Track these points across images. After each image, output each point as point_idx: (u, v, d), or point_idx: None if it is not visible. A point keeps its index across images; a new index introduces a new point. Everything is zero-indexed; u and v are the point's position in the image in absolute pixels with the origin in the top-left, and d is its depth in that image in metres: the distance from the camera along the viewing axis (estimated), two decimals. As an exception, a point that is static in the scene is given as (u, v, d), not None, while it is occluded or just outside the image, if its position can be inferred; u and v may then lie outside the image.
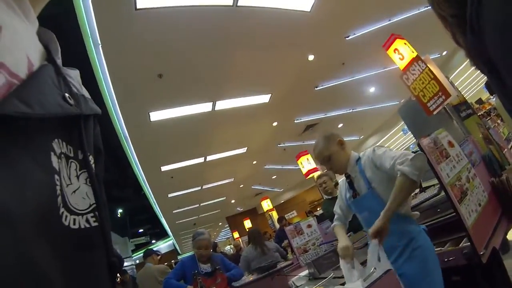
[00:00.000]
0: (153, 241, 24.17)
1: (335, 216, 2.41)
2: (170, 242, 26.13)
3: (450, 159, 2.23)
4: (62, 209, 0.47)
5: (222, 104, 7.45)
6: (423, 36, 6.54)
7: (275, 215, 16.55)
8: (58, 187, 0.47)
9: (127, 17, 4.35)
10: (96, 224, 0.55)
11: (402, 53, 4.48)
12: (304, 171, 10.72)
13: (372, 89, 9.88)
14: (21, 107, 0.42)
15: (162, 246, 26.48)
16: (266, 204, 16.95)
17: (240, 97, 7.47)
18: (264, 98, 7.97)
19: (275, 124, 9.80)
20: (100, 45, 4.73)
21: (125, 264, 18.97)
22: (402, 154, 1.92)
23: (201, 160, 10.42)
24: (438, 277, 1.87)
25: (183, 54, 5.41)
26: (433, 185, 2.78)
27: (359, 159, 2.18)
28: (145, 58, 5.22)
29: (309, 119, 10.43)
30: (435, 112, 4.04)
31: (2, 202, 0.36)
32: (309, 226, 4.33)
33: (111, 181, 12.58)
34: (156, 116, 6.92)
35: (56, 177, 0.48)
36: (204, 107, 7.33)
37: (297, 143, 11.55)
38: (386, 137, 15.13)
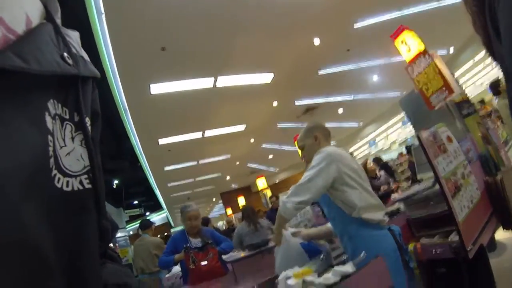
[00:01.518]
0: (147, 213, 24.37)
1: None
2: (164, 215, 26.40)
3: (448, 154, 2.26)
4: (54, 171, 0.47)
5: (224, 80, 7.42)
6: (431, 31, 6.48)
7: (269, 194, 16.67)
8: (51, 148, 0.47)
9: None
10: (89, 186, 0.55)
11: (409, 45, 4.42)
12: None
13: (375, 78, 9.84)
14: (17, 61, 0.41)
15: (155, 218, 26.75)
16: (261, 183, 17.06)
17: (242, 74, 7.44)
18: (266, 78, 7.94)
19: (275, 104, 9.80)
20: (104, 14, 4.68)
21: (119, 235, 19.24)
22: (291, 191, 1.94)
23: (199, 135, 10.46)
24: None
25: (187, 28, 5.36)
26: (428, 178, 2.82)
27: None
28: (149, 31, 5.18)
29: (309, 102, 10.42)
30: (437, 107, 4.03)
31: None
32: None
33: (108, 152, 12.55)
34: (156, 89, 6.91)
35: (50, 138, 0.47)
36: (206, 83, 7.31)
37: (296, 125, 11.51)
38: (385, 127, 15.12)
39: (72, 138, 0.54)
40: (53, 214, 0.44)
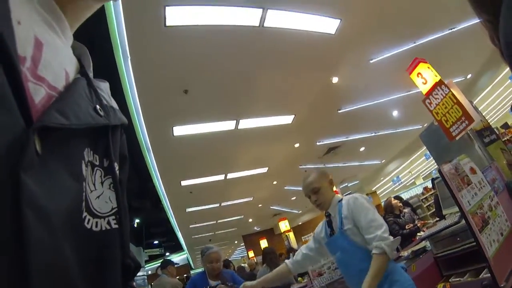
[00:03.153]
0: (167, 254, 24.22)
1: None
2: (184, 256, 26.18)
3: (472, 186, 2.18)
4: (85, 213, 0.51)
5: (245, 123, 7.48)
6: (447, 59, 6.48)
7: (292, 236, 16.30)
8: (84, 194, 0.51)
9: (157, 33, 4.50)
10: (116, 226, 0.58)
11: (425, 77, 4.40)
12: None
13: (395, 113, 9.75)
14: (60, 119, 0.46)
15: (176, 259, 26.26)
16: (284, 225, 16.77)
17: (264, 116, 7.50)
18: (287, 119, 7.98)
19: (297, 145, 9.79)
20: (129, 58, 4.89)
21: (139, 274, 19.09)
22: (383, 229, 1.93)
23: (221, 177, 10.45)
24: None
25: (209, 71, 5.51)
26: (454, 212, 2.70)
27: (340, 200, 2.18)
28: (172, 74, 5.34)
29: (331, 141, 10.37)
30: (457, 138, 3.92)
31: (43, 204, 0.40)
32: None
33: (130, 191, 12.71)
34: (179, 130, 7.01)
35: (84, 184, 0.51)
36: (228, 125, 7.38)
37: (318, 166, 11.42)
38: (408, 161, 14.77)
39: (102, 183, 0.58)
40: (83, 250, 0.48)
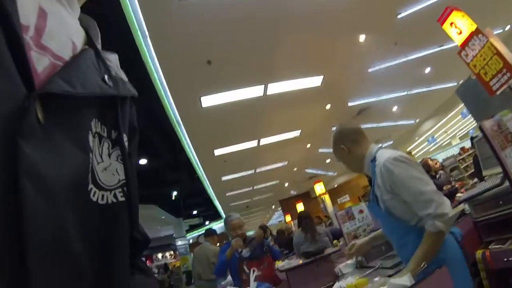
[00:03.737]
0: (207, 223, 25.04)
1: None
2: (223, 223, 26.58)
3: (517, 145, 2.00)
4: (91, 185, 0.50)
5: (274, 88, 7.37)
6: (482, 10, 5.89)
7: (327, 199, 16.28)
8: (90, 165, 0.51)
9: (172, 8, 4.44)
10: (123, 199, 0.57)
11: (459, 26, 3.99)
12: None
13: (427, 70, 9.20)
14: (65, 86, 0.45)
15: (215, 227, 27.15)
16: (319, 188, 16.75)
17: (292, 79, 7.33)
18: (316, 81, 7.77)
19: (328, 107, 9.58)
20: (148, 36, 4.90)
21: (179, 243, 20.04)
22: (437, 201, 1.58)
23: (254, 143, 10.50)
24: None
25: (230, 39, 5.40)
26: (496, 173, 2.50)
27: (373, 160, 1.83)
28: (192, 46, 5.29)
29: (362, 102, 10.07)
30: (498, 92, 3.56)
31: (43, 174, 0.39)
32: (361, 211, 4.21)
33: (165, 165, 13.19)
34: (207, 101, 7.02)
35: (91, 155, 0.51)
36: (256, 91, 7.31)
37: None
38: (444, 121, 14.05)
39: (109, 155, 0.57)
40: (88, 224, 0.48)
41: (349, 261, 2.88)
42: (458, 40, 4.05)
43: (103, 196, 0.53)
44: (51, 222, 0.39)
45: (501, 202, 2.22)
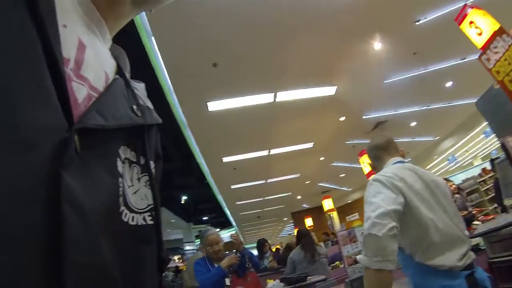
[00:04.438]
0: (217, 230, 25.11)
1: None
2: (234, 232, 26.71)
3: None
4: (122, 207, 0.53)
5: (284, 95, 7.17)
6: (507, 10, 5.43)
7: (335, 215, 15.98)
8: (121, 189, 0.53)
9: (177, 7, 4.31)
10: (152, 222, 0.59)
11: (479, 26, 3.50)
12: (366, 171, 9.98)
13: (448, 84, 8.74)
14: (99, 120, 0.48)
15: (225, 235, 27.29)
16: (327, 204, 16.54)
17: (303, 87, 7.10)
18: (330, 91, 7.50)
19: (342, 119, 9.29)
20: (153, 36, 4.85)
21: (188, 248, 20.17)
22: (368, 223, 1.37)
23: (264, 153, 10.33)
24: None
25: (237, 42, 5.26)
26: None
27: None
28: (197, 48, 5.19)
29: (378, 115, 9.73)
30: None
31: (82, 201, 0.41)
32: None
33: (176, 169, 13.36)
34: (214, 106, 6.89)
35: (120, 180, 0.53)
36: (265, 98, 7.12)
37: (366, 141, 10.78)
38: (465, 139, 13.41)
39: (138, 179, 0.60)
40: (121, 245, 0.50)
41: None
42: (478, 42, 3.60)
43: (133, 218, 0.55)
44: (90, 247, 0.41)
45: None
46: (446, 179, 5.71)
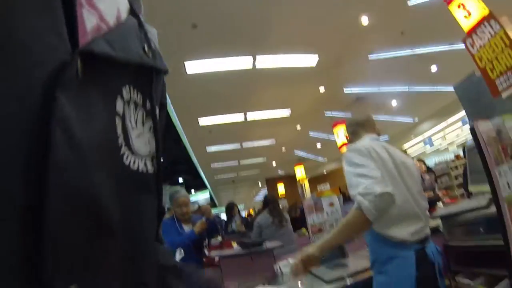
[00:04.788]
0: (192, 191, 25.31)
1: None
2: (207, 194, 27.18)
3: (519, 162, 1.53)
4: (124, 149, 0.52)
5: (264, 61, 6.97)
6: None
7: (306, 184, 16.19)
8: (119, 128, 0.52)
9: None
10: (152, 170, 0.59)
11: (469, 9, 3.34)
12: (339, 143, 9.96)
13: (434, 68, 8.70)
14: (106, 48, 0.47)
15: (200, 197, 27.69)
16: (299, 172, 16.72)
17: (283, 53, 6.91)
18: (311, 60, 7.35)
19: (322, 90, 9.14)
20: None
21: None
22: (368, 184, 1.42)
23: (241, 117, 10.23)
24: None
25: (217, 2, 5.04)
26: (484, 192, 2.03)
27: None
28: (177, 7, 4.99)
29: (359, 90, 9.66)
30: (505, 94, 3.00)
31: (74, 126, 0.39)
32: (331, 204, 3.80)
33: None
34: (192, 67, 6.70)
35: (117, 119, 0.52)
36: (244, 63, 6.92)
37: (345, 114, 10.77)
38: (444, 125, 13.64)
39: (143, 123, 0.59)
40: (120, 186, 0.48)
41: (290, 260, 2.66)
42: (465, 25, 3.45)
43: (135, 161, 0.55)
44: (79, 176, 0.39)
45: (481, 230, 1.78)
46: (421, 160, 5.75)
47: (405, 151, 16.10)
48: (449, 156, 12.17)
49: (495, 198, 1.43)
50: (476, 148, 1.52)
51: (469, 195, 2.56)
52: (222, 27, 5.62)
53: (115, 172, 0.48)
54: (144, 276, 0.56)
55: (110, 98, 0.51)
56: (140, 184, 0.56)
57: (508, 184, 1.44)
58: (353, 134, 1.96)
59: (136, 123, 0.57)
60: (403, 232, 1.49)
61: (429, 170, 5.64)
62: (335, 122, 10.21)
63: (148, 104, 0.60)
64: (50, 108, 0.36)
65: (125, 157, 0.52)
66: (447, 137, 14.10)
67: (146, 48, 0.59)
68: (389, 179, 1.52)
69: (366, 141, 1.75)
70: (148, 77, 0.61)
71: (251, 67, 7.03)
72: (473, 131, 1.50)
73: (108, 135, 0.49)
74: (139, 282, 0.55)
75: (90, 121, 0.43)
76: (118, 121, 0.52)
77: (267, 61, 7.00)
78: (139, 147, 0.56)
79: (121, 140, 0.51)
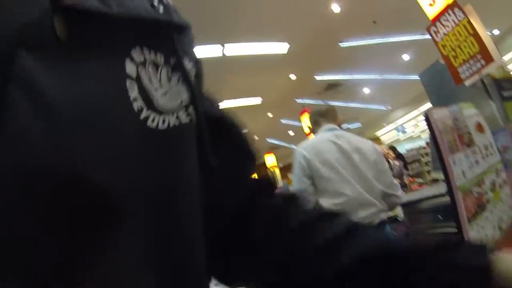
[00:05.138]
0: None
1: None
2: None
3: (474, 150, 1.50)
4: (146, 112, 0.45)
5: (233, 48, 6.93)
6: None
7: (277, 172, 16.37)
8: (133, 93, 0.44)
9: None
10: (188, 119, 0.50)
11: None
12: (307, 130, 10.07)
13: (405, 56, 8.91)
14: (97, 4, 0.40)
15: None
16: (270, 160, 16.79)
17: (253, 41, 6.87)
18: (282, 48, 7.36)
19: (293, 77, 9.23)
20: None
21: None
22: None
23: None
24: None
25: None
26: (443, 179, 2.05)
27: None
28: None
29: (331, 77, 9.77)
30: (467, 82, 2.98)
31: (43, 88, 0.34)
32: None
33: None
34: None
35: (129, 83, 0.44)
36: (213, 51, 6.85)
37: (316, 102, 10.88)
38: (416, 113, 14.09)
39: (169, 79, 0.49)
40: (146, 152, 0.42)
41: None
42: (430, 13, 3.43)
43: (164, 120, 0.46)
44: (48, 146, 0.33)
45: (440, 217, 1.78)
46: (391, 147, 5.86)
47: (378, 138, 16.56)
48: (422, 143, 12.61)
49: (449, 188, 1.42)
50: (431, 137, 1.50)
51: (435, 181, 2.59)
52: (189, 15, 5.42)
53: (136, 139, 0.42)
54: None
55: (114, 61, 0.44)
56: (173, 139, 0.48)
57: (463, 172, 1.42)
58: (315, 124, 2.07)
59: (160, 82, 0.49)
60: (355, 217, 1.47)
61: (398, 157, 5.75)
62: (303, 110, 10.32)
63: (172, 60, 0.51)
64: (8, 65, 0.31)
65: (149, 120, 0.45)
66: (420, 124, 14.58)
67: (155, 3, 0.50)
68: (332, 173, 1.71)
69: (317, 136, 1.93)
70: (167, 34, 0.51)
71: (220, 54, 6.97)
72: (427, 118, 1.48)
73: (114, 100, 0.43)
74: None
75: (78, 86, 0.37)
76: (131, 85, 0.45)
77: (237, 49, 6.96)
78: (166, 103, 0.49)
79: (139, 103, 0.45)
